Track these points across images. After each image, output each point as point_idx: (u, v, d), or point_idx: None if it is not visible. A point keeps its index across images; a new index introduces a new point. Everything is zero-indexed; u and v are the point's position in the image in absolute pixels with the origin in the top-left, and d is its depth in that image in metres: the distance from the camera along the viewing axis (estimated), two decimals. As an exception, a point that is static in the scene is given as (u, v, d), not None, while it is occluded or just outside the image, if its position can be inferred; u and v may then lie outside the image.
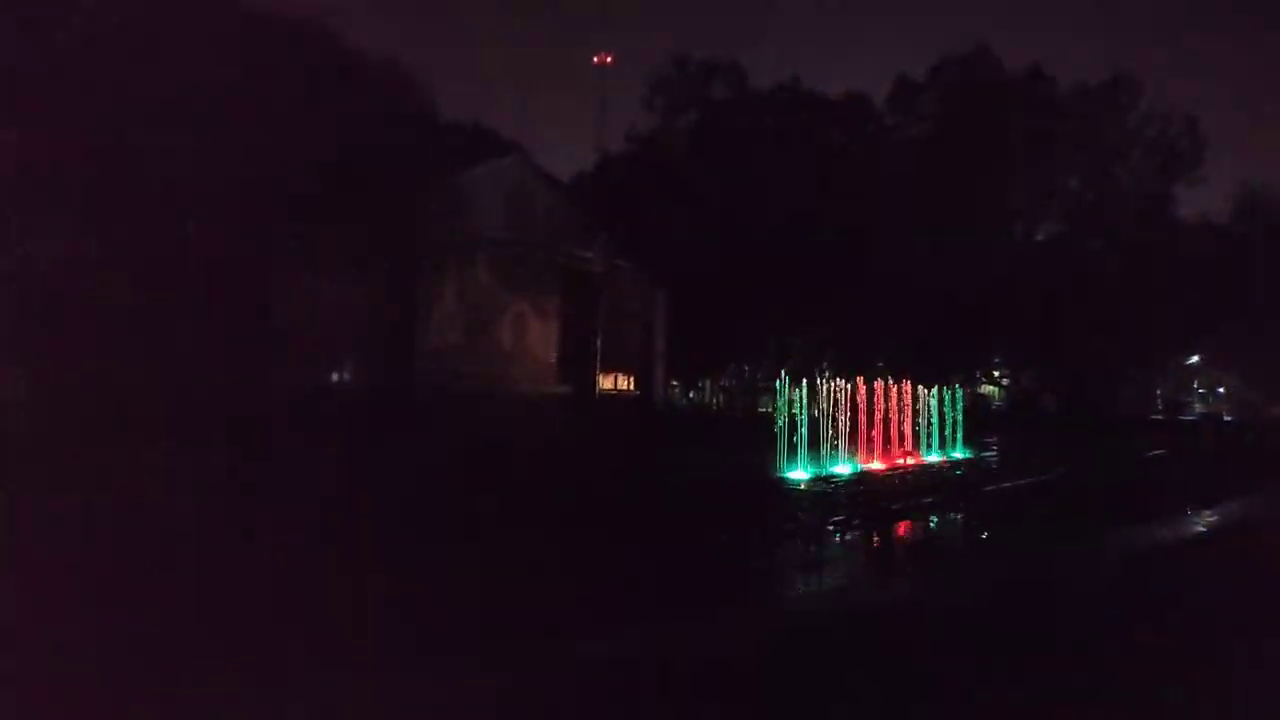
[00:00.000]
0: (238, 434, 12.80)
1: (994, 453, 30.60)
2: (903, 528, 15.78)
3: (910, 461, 25.09)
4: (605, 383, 39.10)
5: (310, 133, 21.19)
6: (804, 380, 21.79)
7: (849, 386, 23.18)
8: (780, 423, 21.13)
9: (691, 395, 62.75)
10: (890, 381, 26.04)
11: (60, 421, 14.22)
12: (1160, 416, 62.22)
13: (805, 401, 21.31)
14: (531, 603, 9.09)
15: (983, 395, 65.93)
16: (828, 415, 22.16)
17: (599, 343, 37.60)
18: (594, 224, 38.23)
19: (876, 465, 23.50)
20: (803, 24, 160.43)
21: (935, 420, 28.08)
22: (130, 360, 17.35)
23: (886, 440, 25.06)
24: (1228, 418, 63.89)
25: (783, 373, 21.77)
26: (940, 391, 28.52)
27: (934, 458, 26.68)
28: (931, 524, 16.40)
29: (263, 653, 7.01)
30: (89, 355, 17.10)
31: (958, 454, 28.32)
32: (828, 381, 22.70)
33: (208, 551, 9.84)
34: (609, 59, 78.24)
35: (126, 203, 20.72)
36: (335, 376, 29.71)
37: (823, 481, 19.87)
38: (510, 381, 33.53)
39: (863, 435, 23.70)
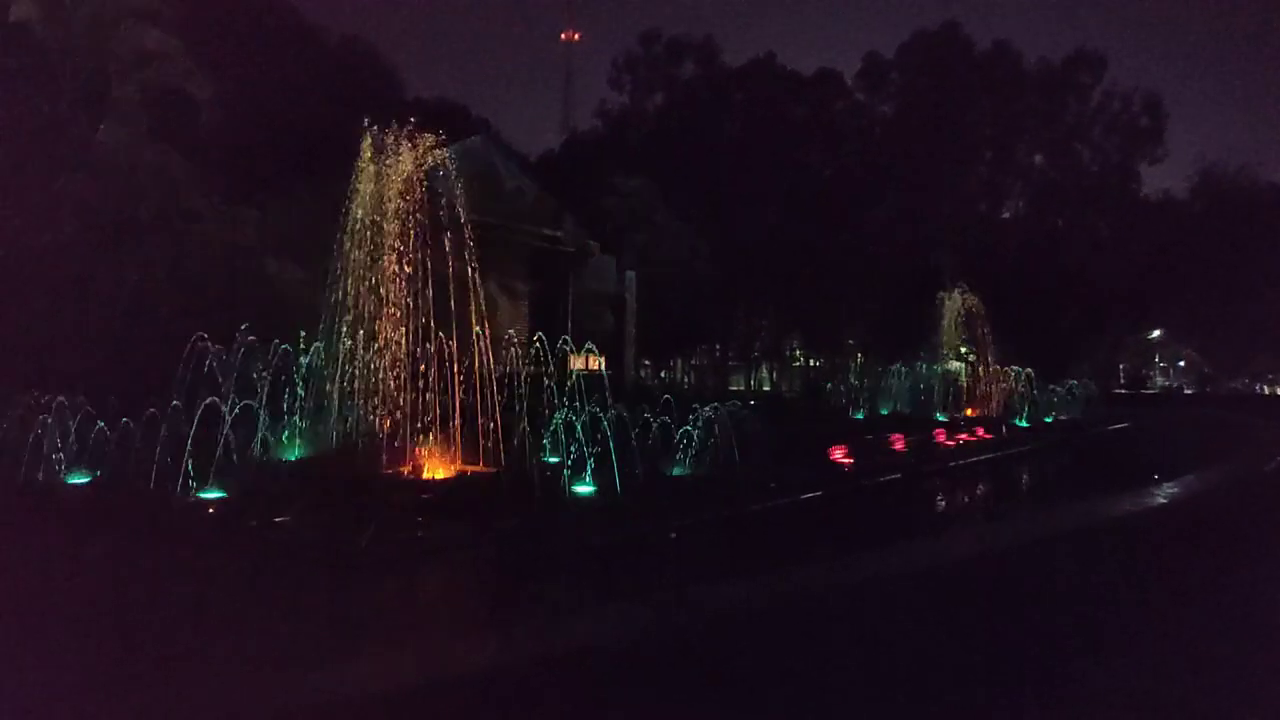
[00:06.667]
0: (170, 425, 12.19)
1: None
2: (892, 498, 16.05)
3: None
4: (576, 363, 38.90)
5: (269, 108, 20.68)
6: (774, 359, 21.85)
7: (817, 365, 23.32)
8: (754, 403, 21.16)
9: (662, 375, 62.71)
10: (861, 358, 26.22)
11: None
12: (1123, 390, 63.31)
13: (776, 381, 21.37)
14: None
15: (949, 371, 66.54)
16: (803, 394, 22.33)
17: (569, 323, 37.36)
18: (563, 203, 37.87)
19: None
20: (779, 3, 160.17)
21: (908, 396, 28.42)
22: (80, 341, 16.87)
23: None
24: (1188, 390, 65.16)
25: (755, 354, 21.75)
26: (909, 369, 28.85)
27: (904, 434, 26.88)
28: (917, 495, 16.65)
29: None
30: (34, 333, 16.61)
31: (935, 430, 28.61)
32: (800, 360, 22.80)
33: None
34: (576, 36, 77.24)
35: (76, 180, 20.10)
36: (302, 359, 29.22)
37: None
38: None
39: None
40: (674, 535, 11.43)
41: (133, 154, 20.49)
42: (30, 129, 19.21)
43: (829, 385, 46.21)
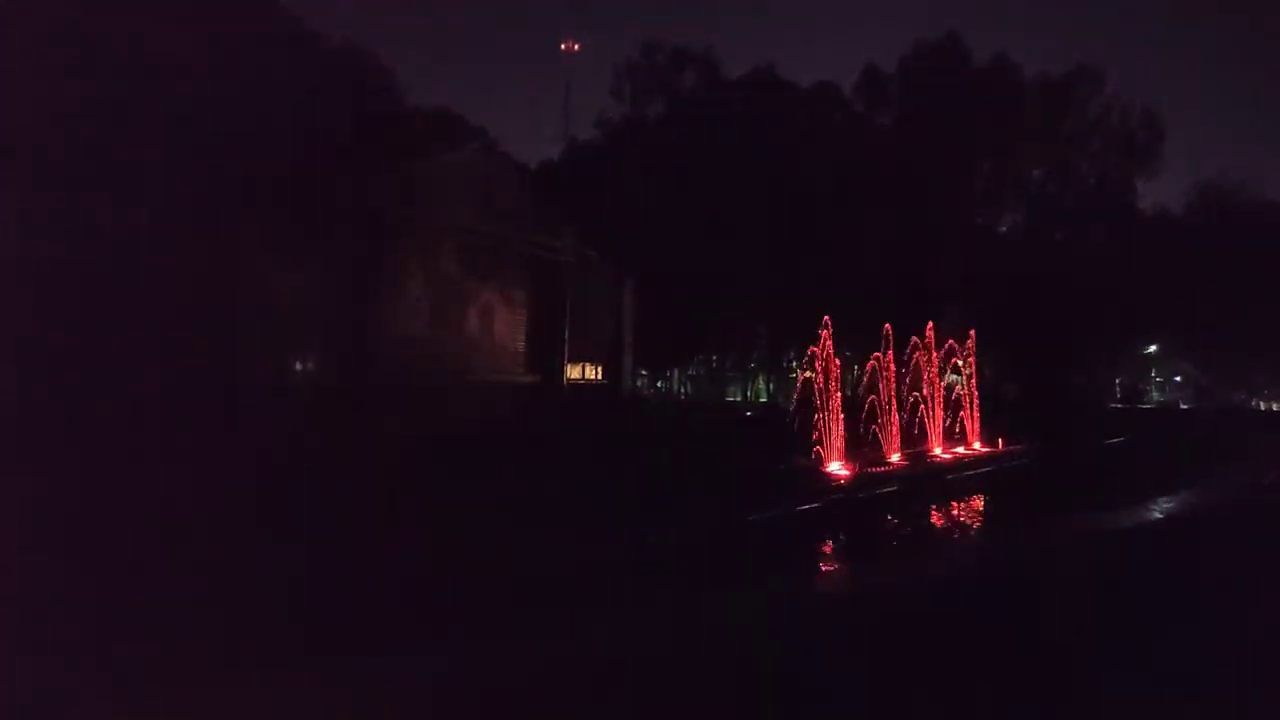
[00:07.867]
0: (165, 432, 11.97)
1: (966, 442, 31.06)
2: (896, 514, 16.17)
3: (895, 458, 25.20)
4: (573, 372, 38.83)
5: (270, 117, 20.65)
6: (771, 370, 21.87)
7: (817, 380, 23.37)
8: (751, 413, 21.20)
9: (659, 384, 62.67)
10: (856, 370, 26.20)
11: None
12: (1119, 404, 63.27)
13: (773, 393, 21.39)
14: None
15: (947, 386, 66.43)
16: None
17: (567, 332, 37.31)
18: (562, 212, 37.86)
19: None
20: (780, 14, 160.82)
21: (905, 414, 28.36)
22: (83, 352, 16.78)
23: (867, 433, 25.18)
24: (1184, 405, 65.12)
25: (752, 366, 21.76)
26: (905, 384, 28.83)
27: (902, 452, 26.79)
28: (917, 511, 16.83)
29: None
30: (37, 345, 16.52)
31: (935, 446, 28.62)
32: (796, 372, 22.83)
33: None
34: (576, 46, 77.35)
35: (80, 188, 20.06)
36: (299, 366, 29.10)
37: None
38: (476, 371, 33.13)
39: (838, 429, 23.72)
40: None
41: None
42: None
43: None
